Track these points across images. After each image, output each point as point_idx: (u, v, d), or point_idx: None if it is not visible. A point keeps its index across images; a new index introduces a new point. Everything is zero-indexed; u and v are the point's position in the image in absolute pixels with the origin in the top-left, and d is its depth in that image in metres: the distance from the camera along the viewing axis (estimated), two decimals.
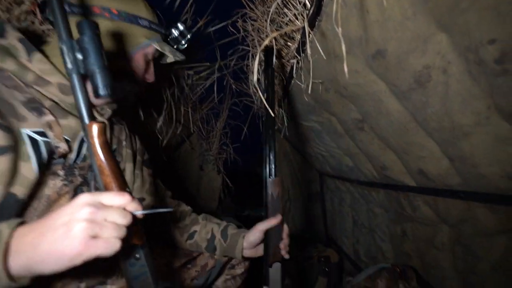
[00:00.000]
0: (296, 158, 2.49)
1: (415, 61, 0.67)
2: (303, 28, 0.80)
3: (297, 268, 2.16)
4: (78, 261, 0.43)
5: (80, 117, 0.50)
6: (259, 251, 0.90)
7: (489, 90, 0.62)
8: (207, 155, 2.04)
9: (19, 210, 0.54)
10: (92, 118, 0.51)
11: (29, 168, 0.54)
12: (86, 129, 0.50)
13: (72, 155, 0.62)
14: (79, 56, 0.49)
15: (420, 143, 0.92)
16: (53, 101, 0.60)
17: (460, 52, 0.61)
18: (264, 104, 0.83)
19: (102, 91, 0.50)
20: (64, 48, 0.49)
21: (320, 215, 2.47)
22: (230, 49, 1.52)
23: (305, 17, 0.79)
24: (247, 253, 0.91)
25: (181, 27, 0.79)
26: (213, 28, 1.45)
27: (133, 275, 0.53)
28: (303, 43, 0.89)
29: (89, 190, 0.65)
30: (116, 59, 0.66)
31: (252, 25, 1.15)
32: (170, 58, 0.79)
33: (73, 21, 0.52)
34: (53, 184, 0.59)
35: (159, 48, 0.72)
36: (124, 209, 0.47)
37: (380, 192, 1.50)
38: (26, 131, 0.54)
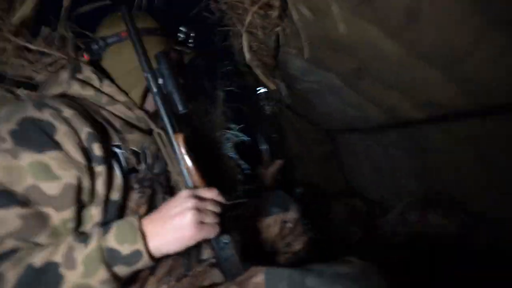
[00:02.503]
0: (301, 123, 2.49)
1: None
2: None
3: (327, 224, 2.24)
4: (191, 242, 0.52)
5: (166, 130, 0.60)
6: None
7: (483, 4, 0.61)
8: (216, 141, 2.05)
9: (118, 213, 0.62)
10: (176, 129, 0.59)
11: (116, 175, 0.62)
12: (172, 139, 0.60)
13: (142, 167, 0.69)
14: (160, 81, 0.60)
15: (423, 76, 0.91)
16: (121, 118, 0.69)
17: None
18: (259, 79, 0.83)
19: (181, 107, 0.61)
20: (149, 77, 0.60)
21: (337, 171, 2.51)
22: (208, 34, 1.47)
23: None
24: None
25: (184, 29, 0.81)
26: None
27: (223, 257, 0.60)
28: (283, 8, 0.87)
29: (159, 199, 0.71)
30: None
31: (226, 3, 1.10)
32: (187, 58, 0.82)
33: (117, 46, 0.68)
34: (132, 197, 0.66)
35: (178, 48, 0.77)
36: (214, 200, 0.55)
37: (391, 133, 1.51)
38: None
